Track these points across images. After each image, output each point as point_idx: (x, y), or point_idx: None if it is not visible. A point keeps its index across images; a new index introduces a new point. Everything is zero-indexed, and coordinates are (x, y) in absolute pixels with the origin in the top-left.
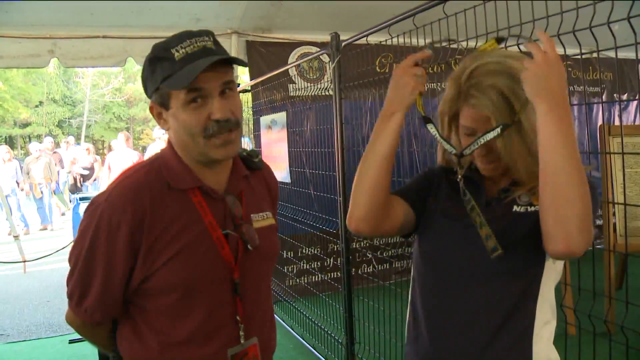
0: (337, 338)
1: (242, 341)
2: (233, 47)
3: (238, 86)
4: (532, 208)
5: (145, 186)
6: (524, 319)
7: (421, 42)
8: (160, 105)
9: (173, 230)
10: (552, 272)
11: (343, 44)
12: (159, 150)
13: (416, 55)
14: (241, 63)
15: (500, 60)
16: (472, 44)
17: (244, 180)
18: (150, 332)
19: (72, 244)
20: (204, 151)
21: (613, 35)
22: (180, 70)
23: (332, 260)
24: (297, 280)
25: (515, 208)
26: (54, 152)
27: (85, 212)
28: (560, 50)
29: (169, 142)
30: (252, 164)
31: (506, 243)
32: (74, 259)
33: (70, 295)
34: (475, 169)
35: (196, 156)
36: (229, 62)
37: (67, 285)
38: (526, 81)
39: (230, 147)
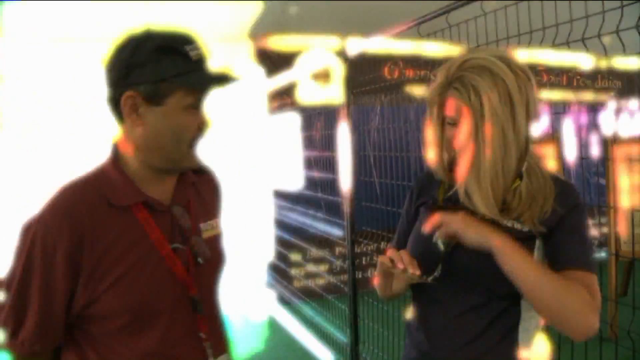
0: (342, 338)
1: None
2: (245, 52)
3: None
4: (518, 225)
5: (83, 203)
6: (511, 317)
7: (427, 50)
8: (145, 98)
9: (116, 250)
10: None
11: (352, 51)
12: (98, 165)
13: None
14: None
15: (488, 57)
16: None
17: (192, 188)
18: (98, 358)
19: (8, 270)
20: (181, 158)
21: (622, 43)
22: (199, 71)
23: (340, 262)
24: (305, 282)
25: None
26: None
27: (19, 235)
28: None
29: (114, 152)
30: (200, 167)
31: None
32: (5, 286)
33: (4, 327)
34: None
35: (165, 163)
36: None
37: None
38: (464, 235)
39: (198, 155)
